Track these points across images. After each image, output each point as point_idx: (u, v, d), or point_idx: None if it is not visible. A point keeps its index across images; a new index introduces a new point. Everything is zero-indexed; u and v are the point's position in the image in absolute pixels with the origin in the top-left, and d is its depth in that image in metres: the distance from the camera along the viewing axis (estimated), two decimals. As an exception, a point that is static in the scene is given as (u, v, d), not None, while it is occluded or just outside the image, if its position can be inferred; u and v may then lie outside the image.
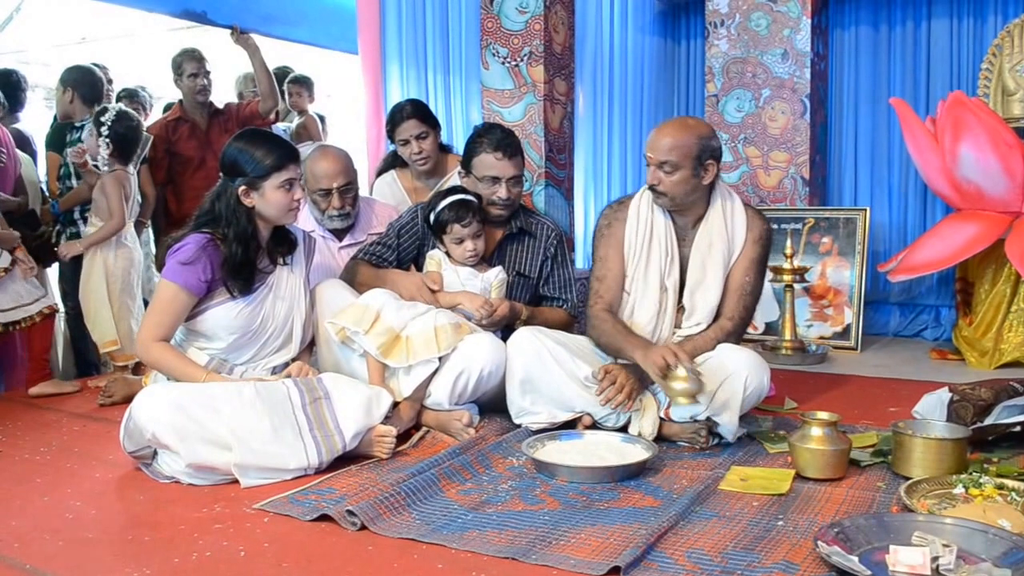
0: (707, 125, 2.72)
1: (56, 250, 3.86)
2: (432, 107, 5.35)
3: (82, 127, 3.85)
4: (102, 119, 3.61)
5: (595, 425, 2.61)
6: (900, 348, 4.50)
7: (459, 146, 5.16)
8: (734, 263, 2.69)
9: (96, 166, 3.67)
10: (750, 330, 4.50)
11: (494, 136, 2.91)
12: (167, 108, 4.88)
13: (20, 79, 4.32)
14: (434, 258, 2.89)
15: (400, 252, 2.97)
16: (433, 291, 2.80)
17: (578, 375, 2.60)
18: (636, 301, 2.72)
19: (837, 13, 5.09)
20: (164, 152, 4.27)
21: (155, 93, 5.26)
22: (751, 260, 2.69)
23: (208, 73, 4.34)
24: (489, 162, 2.88)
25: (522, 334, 2.63)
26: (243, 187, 2.49)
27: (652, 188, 2.64)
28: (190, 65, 4.29)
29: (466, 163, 2.97)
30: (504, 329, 2.85)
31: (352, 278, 2.91)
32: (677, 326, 2.72)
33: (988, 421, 2.48)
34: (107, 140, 3.57)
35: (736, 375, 2.47)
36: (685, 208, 2.69)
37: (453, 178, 3.53)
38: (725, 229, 2.69)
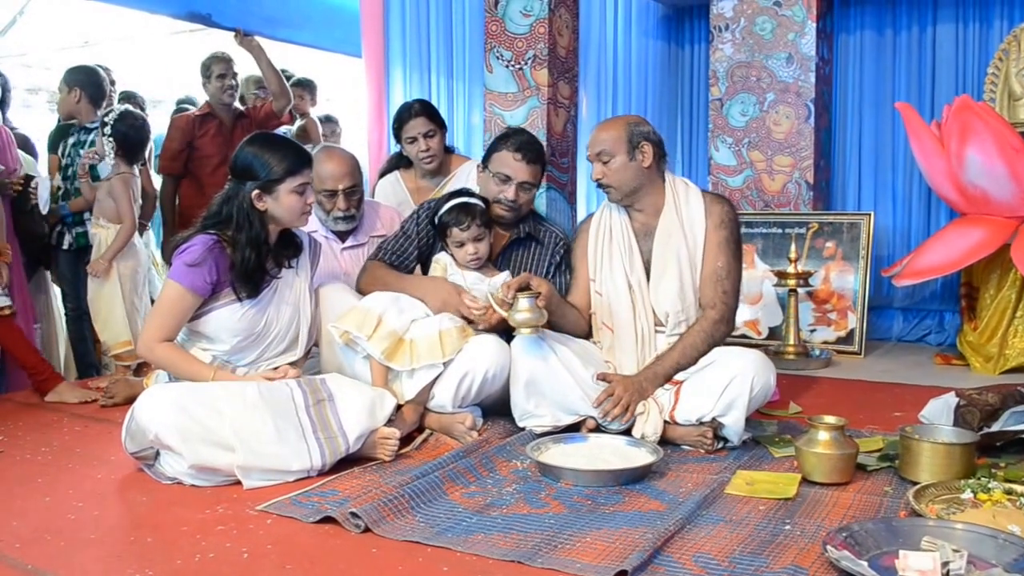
0: (636, 116, 2.85)
1: (60, 251, 3.86)
2: (435, 111, 5.36)
3: (92, 129, 3.85)
4: (106, 119, 3.61)
5: (599, 428, 2.60)
6: (904, 353, 4.48)
7: (461, 150, 5.19)
8: (704, 253, 2.71)
9: (93, 170, 3.66)
10: (753, 334, 4.50)
11: (519, 138, 2.92)
12: (179, 110, 4.89)
13: (5, 80, 4.28)
14: (439, 262, 2.87)
15: (420, 242, 2.94)
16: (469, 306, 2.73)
17: (583, 378, 2.59)
18: (611, 302, 2.76)
19: (842, 17, 5.09)
20: (185, 145, 4.30)
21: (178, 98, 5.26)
22: (718, 245, 2.71)
23: (236, 75, 4.41)
24: (506, 160, 2.87)
25: (525, 341, 2.61)
26: (256, 191, 2.48)
27: (599, 184, 2.74)
28: (219, 66, 4.35)
29: (486, 157, 2.97)
30: (507, 332, 2.83)
31: (373, 283, 2.83)
32: (659, 324, 2.72)
33: (996, 427, 2.47)
34: (111, 140, 3.57)
35: (742, 375, 2.46)
36: (637, 198, 2.75)
37: (456, 178, 3.53)
38: (680, 218, 2.72)
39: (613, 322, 2.75)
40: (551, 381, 2.57)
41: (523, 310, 2.45)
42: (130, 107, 3.83)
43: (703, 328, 2.65)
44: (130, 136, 3.63)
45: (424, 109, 3.52)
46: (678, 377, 2.61)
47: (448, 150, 3.70)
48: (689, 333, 2.65)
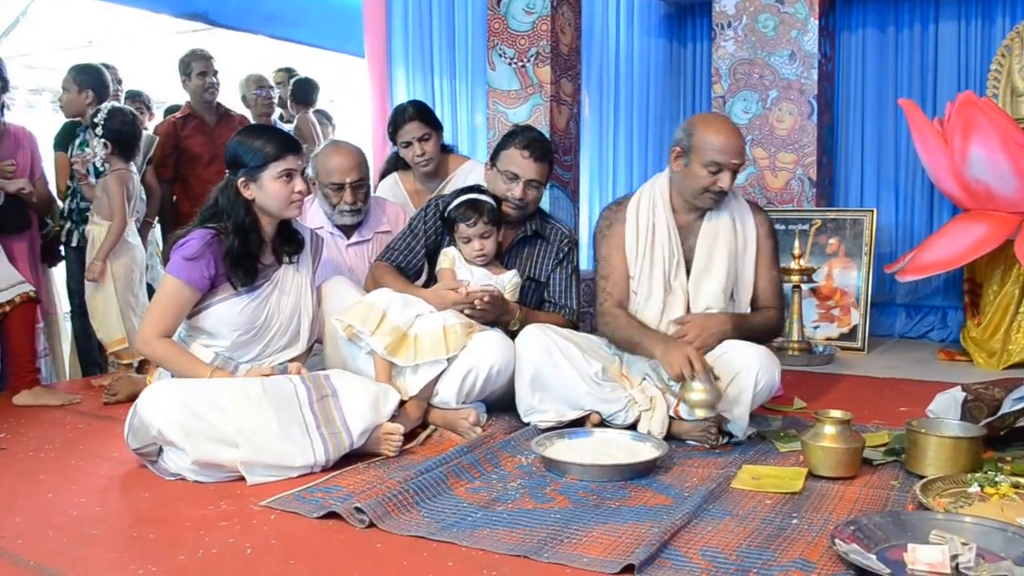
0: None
1: (69, 248, 3.85)
2: (438, 110, 5.35)
3: (87, 128, 3.83)
4: (95, 119, 3.59)
5: (603, 423, 2.59)
6: (907, 349, 4.47)
7: (463, 149, 5.19)
8: (757, 257, 2.73)
9: (95, 170, 3.63)
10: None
11: (528, 136, 2.90)
12: (168, 112, 4.88)
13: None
14: (448, 255, 2.86)
15: (427, 240, 2.94)
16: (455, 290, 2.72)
17: (588, 372, 2.58)
18: (642, 301, 2.73)
19: (844, 15, 5.08)
20: (172, 149, 4.30)
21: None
22: (771, 252, 2.77)
23: (216, 72, 4.37)
24: (514, 158, 2.86)
25: (532, 331, 2.61)
26: (242, 179, 2.48)
27: (719, 192, 2.64)
28: (198, 64, 4.32)
29: (494, 155, 2.96)
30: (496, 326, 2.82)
31: (377, 287, 2.82)
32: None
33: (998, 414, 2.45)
34: (102, 140, 3.55)
35: (747, 370, 2.46)
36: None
37: (455, 179, 3.51)
38: (732, 220, 2.72)
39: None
40: (556, 376, 2.56)
41: (698, 390, 2.37)
42: (116, 104, 3.79)
43: (769, 318, 2.72)
44: (123, 132, 3.58)
45: (418, 112, 3.45)
46: None
47: (447, 149, 3.64)
48: (760, 314, 2.70)
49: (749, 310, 2.75)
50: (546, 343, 2.57)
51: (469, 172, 3.50)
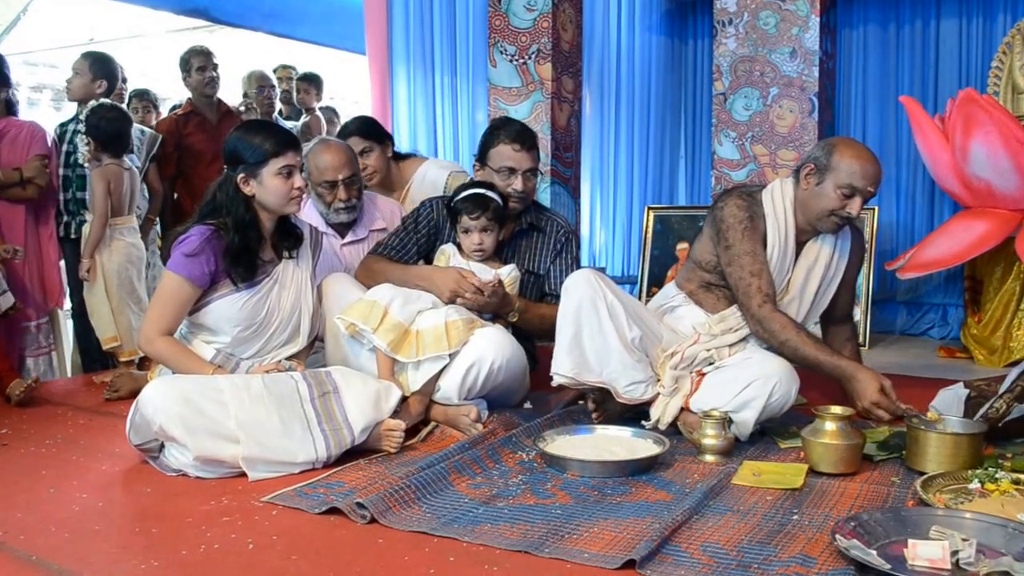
0: None
1: (67, 243, 3.85)
2: (439, 108, 5.37)
3: (77, 120, 3.84)
4: (80, 116, 3.59)
5: (603, 402, 2.58)
6: (907, 346, 4.48)
7: (464, 148, 5.20)
8: (845, 271, 2.76)
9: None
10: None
11: (512, 128, 2.92)
12: (173, 109, 4.89)
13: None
14: (444, 253, 2.87)
15: (419, 240, 2.94)
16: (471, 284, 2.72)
17: (627, 336, 2.52)
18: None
19: (845, 12, 5.08)
20: (174, 147, 4.32)
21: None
22: (858, 269, 2.89)
23: (216, 66, 4.38)
24: (507, 153, 2.87)
25: (585, 274, 2.56)
26: (242, 175, 2.48)
27: (845, 217, 2.60)
28: (197, 59, 4.35)
29: (482, 155, 2.96)
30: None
31: (374, 276, 2.81)
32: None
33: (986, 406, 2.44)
34: (84, 135, 3.55)
35: (767, 378, 2.44)
36: None
37: (415, 184, 3.47)
38: (834, 248, 2.72)
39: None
40: (593, 326, 2.50)
41: (710, 436, 2.36)
42: (105, 100, 3.79)
43: (853, 339, 2.93)
44: (102, 128, 3.55)
45: (357, 127, 3.40)
46: (705, 369, 2.60)
47: (400, 156, 3.59)
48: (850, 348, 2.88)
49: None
50: (593, 293, 2.51)
51: (426, 174, 3.48)
